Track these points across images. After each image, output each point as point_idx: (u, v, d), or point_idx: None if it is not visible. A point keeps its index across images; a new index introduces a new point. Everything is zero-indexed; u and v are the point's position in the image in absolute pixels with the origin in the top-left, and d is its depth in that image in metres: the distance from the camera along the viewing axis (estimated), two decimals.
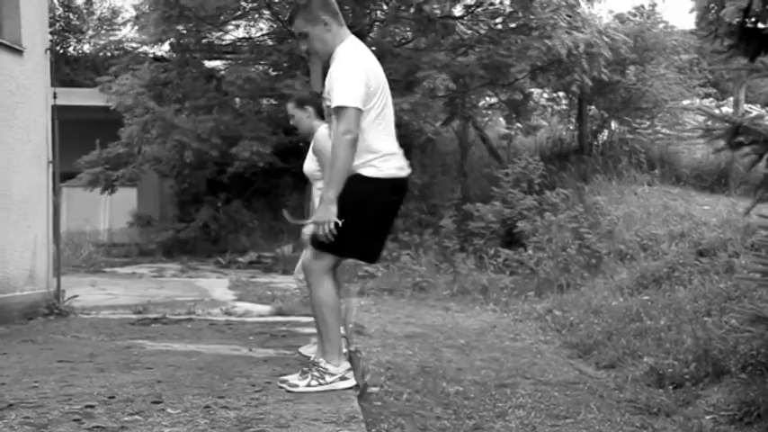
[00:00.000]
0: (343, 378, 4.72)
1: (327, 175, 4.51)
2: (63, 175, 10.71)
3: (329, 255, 4.58)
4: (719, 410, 5.86)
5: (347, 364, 4.80)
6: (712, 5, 6.44)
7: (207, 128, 16.21)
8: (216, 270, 15.85)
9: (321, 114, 5.98)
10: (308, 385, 4.66)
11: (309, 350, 6.08)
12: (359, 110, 4.39)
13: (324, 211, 4.42)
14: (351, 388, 4.77)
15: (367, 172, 4.49)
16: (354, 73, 4.47)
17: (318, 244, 4.54)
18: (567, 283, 11.42)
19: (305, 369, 4.81)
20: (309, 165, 6.08)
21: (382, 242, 4.78)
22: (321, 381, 4.66)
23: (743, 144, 6.09)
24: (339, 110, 4.38)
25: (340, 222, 4.40)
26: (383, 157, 4.54)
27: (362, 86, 4.45)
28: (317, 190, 5.91)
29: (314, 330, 6.48)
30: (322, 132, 5.78)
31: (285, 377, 4.85)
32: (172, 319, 8.65)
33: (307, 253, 4.79)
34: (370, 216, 4.53)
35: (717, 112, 12.63)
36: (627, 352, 7.63)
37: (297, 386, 4.68)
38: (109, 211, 20.77)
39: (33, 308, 8.50)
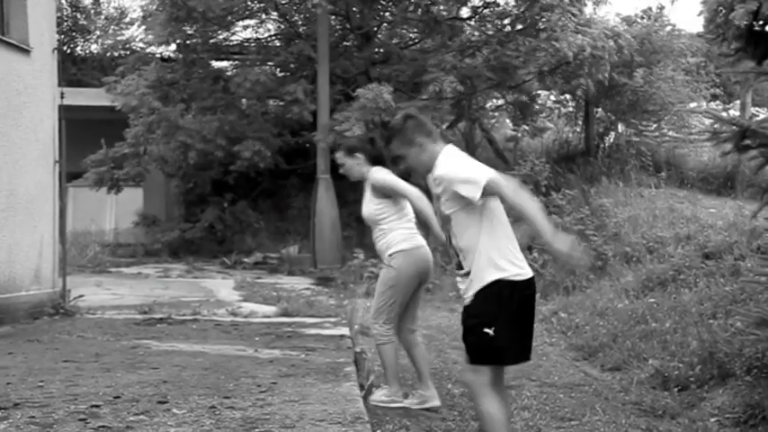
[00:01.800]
0: None
1: (537, 227, 4.14)
2: (69, 174, 10.73)
3: (487, 367, 4.32)
4: (724, 413, 5.86)
5: None
6: (721, 9, 6.44)
7: (212, 128, 16.21)
8: (221, 271, 15.84)
9: (372, 160, 5.95)
10: None
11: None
12: (494, 178, 4.19)
13: (562, 242, 4.13)
14: None
15: (497, 276, 4.26)
16: (465, 163, 4.39)
17: (475, 357, 4.34)
18: (573, 285, 11.40)
19: None
20: (369, 208, 6.00)
21: (530, 337, 4.49)
22: None
23: (750, 147, 6.09)
24: (486, 186, 4.17)
25: (491, 331, 4.21)
26: (507, 258, 4.33)
27: (478, 168, 4.31)
28: (379, 231, 5.85)
29: (320, 331, 6.50)
30: (378, 172, 5.80)
31: None
32: (177, 319, 8.66)
33: (461, 364, 4.58)
34: (512, 316, 4.28)
35: (724, 115, 12.60)
36: (632, 354, 7.62)
37: None
38: (115, 211, 20.78)
39: (39, 307, 8.52)
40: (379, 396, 5.81)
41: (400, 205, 5.80)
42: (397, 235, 5.75)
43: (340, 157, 6.20)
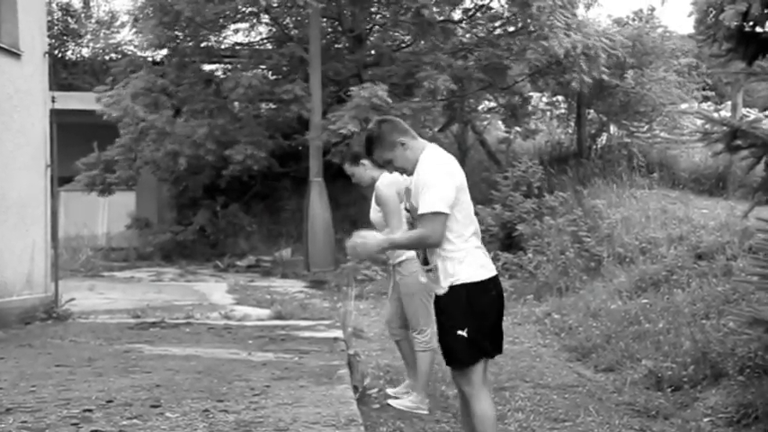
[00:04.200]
0: None
1: (398, 238, 4.61)
2: (61, 179, 10.70)
3: (472, 367, 4.39)
4: (717, 413, 5.86)
5: None
6: (711, 9, 6.45)
7: (202, 133, 16.14)
8: (214, 274, 15.82)
9: (378, 164, 5.91)
10: None
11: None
12: (446, 215, 4.32)
13: (373, 243, 4.41)
14: None
15: (470, 278, 4.37)
16: (442, 178, 4.39)
17: (454, 362, 4.43)
18: (566, 286, 11.40)
19: None
20: (375, 215, 6.05)
21: (500, 334, 4.59)
22: None
23: (741, 147, 6.10)
24: (428, 214, 4.30)
25: (465, 333, 4.30)
26: (478, 262, 4.45)
27: (452, 191, 4.37)
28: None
29: (314, 334, 6.50)
30: (383, 182, 5.79)
31: None
32: (170, 323, 8.64)
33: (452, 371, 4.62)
34: (483, 316, 4.39)
35: (715, 115, 12.62)
36: (625, 355, 7.63)
37: None
38: (107, 216, 20.73)
39: (31, 312, 8.49)
40: (405, 402, 5.88)
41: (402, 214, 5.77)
42: None
43: (347, 167, 6.18)
